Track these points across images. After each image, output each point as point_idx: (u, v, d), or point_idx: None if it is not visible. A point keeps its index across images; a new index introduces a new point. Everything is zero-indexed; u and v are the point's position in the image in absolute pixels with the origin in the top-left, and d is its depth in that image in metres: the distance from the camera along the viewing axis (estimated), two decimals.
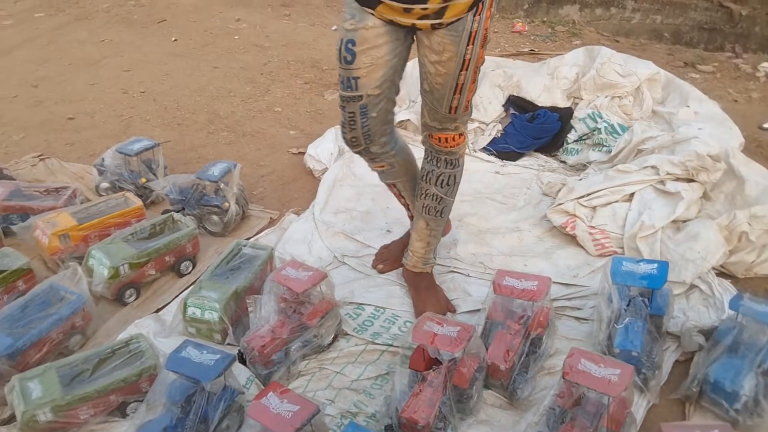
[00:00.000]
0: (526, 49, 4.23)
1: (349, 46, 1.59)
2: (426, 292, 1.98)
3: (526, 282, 1.72)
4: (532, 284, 1.71)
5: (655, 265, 1.79)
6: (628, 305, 1.77)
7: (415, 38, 1.63)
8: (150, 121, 3.28)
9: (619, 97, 2.85)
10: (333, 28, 4.78)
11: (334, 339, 1.85)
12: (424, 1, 1.47)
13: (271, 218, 2.49)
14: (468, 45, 1.55)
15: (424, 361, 1.55)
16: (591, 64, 2.97)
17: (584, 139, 2.81)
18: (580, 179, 2.48)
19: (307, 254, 2.25)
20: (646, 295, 1.78)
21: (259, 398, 1.41)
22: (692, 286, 2.01)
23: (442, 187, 1.84)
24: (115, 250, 2.00)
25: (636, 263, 1.83)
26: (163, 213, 2.32)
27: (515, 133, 2.84)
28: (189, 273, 2.16)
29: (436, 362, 1.54)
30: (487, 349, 1.65)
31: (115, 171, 2.48)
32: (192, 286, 1.94)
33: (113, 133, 3.13)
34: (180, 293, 2.07)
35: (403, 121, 3.03)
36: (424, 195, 1.87)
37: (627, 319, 1.74)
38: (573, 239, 2.28)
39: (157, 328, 1.89)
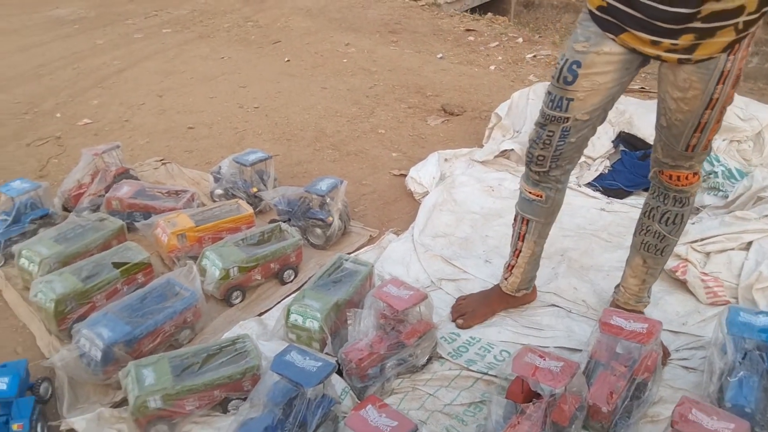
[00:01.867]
0: (637, 87, 4.11)
1: (573, 67, 1.55)
2: None
3: (635, 323, 1.66)
4: (642, 326, 1.65)
5: None
6: (743, 358, 1.66)
7: (658, 72, 1.56)
8: (261, 135, 3.45)
9: (738, 141, 2.72)
10: (438, 56, 4.86)
11: (429, 360, 1.85)
12: (675, 36, 1.39)
13: (370, 236, 2.54)
14: (717, 84, 1.46)
15: (522, 393, 1.52)
16: None
17: None
18: (694, 223, 2.37)
19: (405, 275, 2.27)
20: (763, 349, 1.67)
21: (358, 410, 1.43)
22: None
23: (666, 225, 1.78)
24: (227, 253, 2.11)
25: (754, 315, 1.72)
26: (270, 222, 2.43)
27: (624, 170, 2.77)
28: (291, 281, 2.24)
29: (536, 396, 1.51)
30: (589, 388, 1.60)
31: (230, 179, 2.62)
32: (295, 294, 2.01)
33: (228, 144, 3.32)
34: (281, 300, 2.15)
35: (506, 150, 3.02)
36: (645, 231, 1.82)
37: (741, 372, 1.63)
38: (683, 285, 2.18)
39: (259, 331, 1.96)
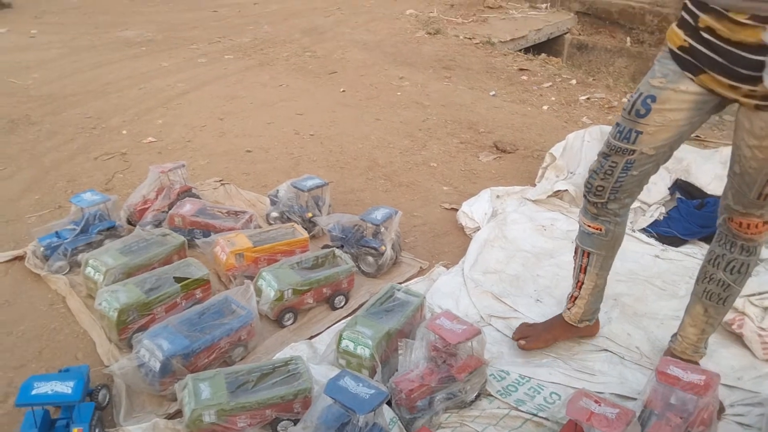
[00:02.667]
0: (692, 135, 4.07)
1: (648, 101, 1.59)
2: None
3: (693, 374, 1.63)
4: (699, 378, 1.62)
5: None
6: None
7: (735, 118, 1.58)
8: (316, 162, 3.53)
9: None
10: (491, 93, 4.91)
11: (477, 397, 1.85)
12: (754, 82, 1.41)
13: (421, 267, 2.57)
14: None
15: None
16: None
17: None
18: (752, 276, 2.32)
19: (455, 308, 2.28)
20: None
21: None
22: None
23: (731, 274, 1.76)
24: (282, 275, 2.16)
25: None
26: (323, 247, 2.48)
27: (680, 218, 2.73)
28: (341, 307, 2.28)
29: None
30: None
31: (287, 203, 2.69)
32: (347, 320, 2.04)
33: (284, 169, 3.41)
34: (331, 325, 2.18)
35: (560, 191, 3.03)
36: (708, 279, 1.80)
37: None
38: (738, 338, 2.13)
39: (309, 354, 2.00)
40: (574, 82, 5.27)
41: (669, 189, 2.90)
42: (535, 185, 3.21)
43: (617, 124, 1.67)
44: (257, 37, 6.14)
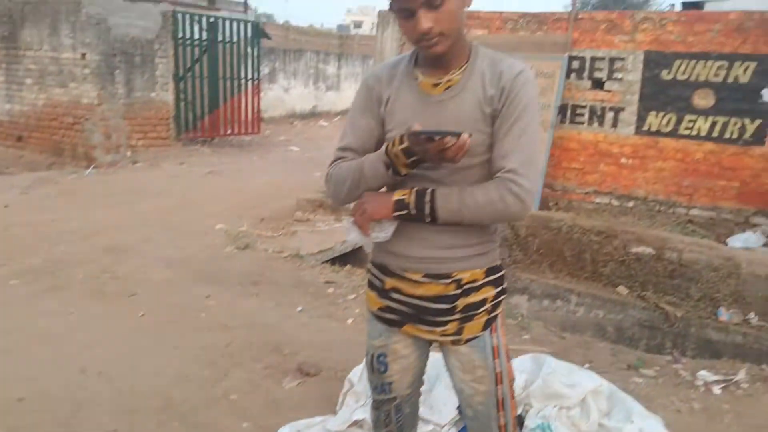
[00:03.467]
0: None
1: (381, 359, 1.84)
2: None
3: None
4: None
5: None
6: None
7: (446, 366, 1.86)
8: (102, 406, 3.22)
9: (566, 408, 2.96)
10: (298, 309, 5.02)
11: None
12: (443, 325, 1.74)
13: None
14: (494, 359, 1.76)
15: None
16: (538, 372, 3.13)
17: None
18: None
19: None
20: None
21: None
22: None
23: None
24: None
25: None
26: None
27: None
28: None
29: None
30: None
31: None
32: None
33: (61, 420, 3.04)
34: None
35: (358, 420, 3.05)
36: None
37: None
38: None
39: None
40: None
41: (457, 408, 3.07)
42: (335, 413, 3.21)
43: (370, 381, 1.89)
44: (50, 258, 5.79)
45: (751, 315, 5.28)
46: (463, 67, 1.68)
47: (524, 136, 1.60)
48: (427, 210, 1.62)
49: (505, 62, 1.66)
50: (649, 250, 5.88)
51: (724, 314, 5.35)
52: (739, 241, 6.20)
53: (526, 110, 1.61)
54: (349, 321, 4.84)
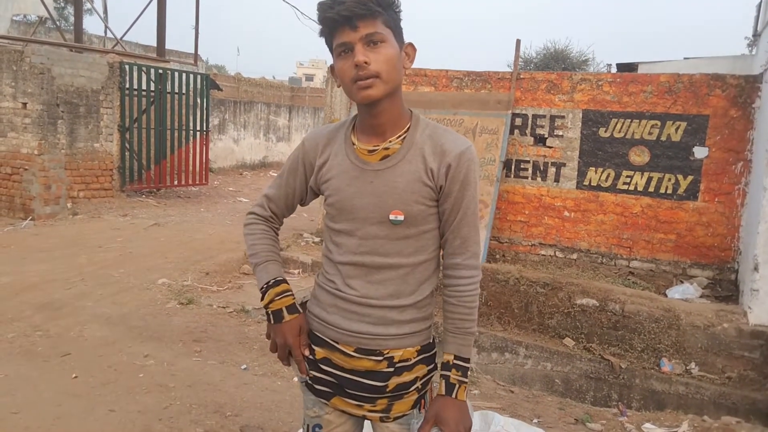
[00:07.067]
0: None
1: (317, 429, 1.80)
2: None
3: None
4: None
5: None
6: None
7: None
8: None
9: None
10: (242, 367, 4.85)
11: None
12: (373, 401, 1.71)
13: None
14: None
15: None
16: (486, 429, 3.09)
17: None
18: None
19: None
20: None
21: None
22: None
23: None
24: None
25: None
26: None
27: None
28: None
29: None
30: None
31: None
32: None
33: None
34: None
35: None
36: None
37: None
38: None
39: None
40: None
41: None
42: None
43: None
44: None
45: (692, 365, 5.41)
46: (402, 137, 1.67)
47: (474, 216, 1.68)
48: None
49: (447, 136, 1.66)
50: (593, 302, 6.00)
51: (666, 365, 5.46)
52: (677, 292, 6.39)
53: (474, 191, 1.66)
54: (296, 379, 4.69)
